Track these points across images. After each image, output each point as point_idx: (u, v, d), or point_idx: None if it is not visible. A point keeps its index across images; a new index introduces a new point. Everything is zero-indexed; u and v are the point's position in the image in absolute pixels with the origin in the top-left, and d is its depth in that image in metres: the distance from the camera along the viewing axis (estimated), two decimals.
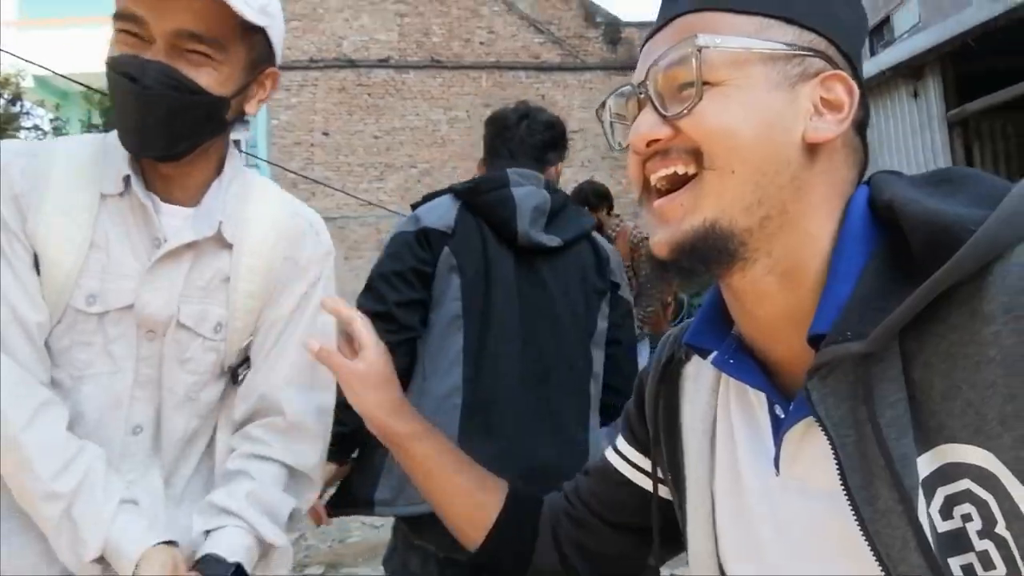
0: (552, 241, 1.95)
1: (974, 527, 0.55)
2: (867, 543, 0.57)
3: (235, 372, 1.21)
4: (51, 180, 1.08)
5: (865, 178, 0.72)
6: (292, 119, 17.23)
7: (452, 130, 17.71)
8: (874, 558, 0.57)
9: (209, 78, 1.05)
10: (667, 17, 0.72)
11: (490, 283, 1.85)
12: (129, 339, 1.10)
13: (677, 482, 0.83)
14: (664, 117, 0.68)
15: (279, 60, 1.20)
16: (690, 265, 0.68)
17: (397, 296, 1.79)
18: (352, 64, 17.54)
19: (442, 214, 1.92)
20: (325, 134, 17.30)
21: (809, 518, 0.67)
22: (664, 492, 0.88)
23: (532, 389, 1.83)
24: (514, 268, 1.91)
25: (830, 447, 0.61)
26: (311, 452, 1.23)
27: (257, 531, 1.11)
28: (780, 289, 0.68)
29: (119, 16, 1.03)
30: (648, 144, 0.69)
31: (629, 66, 18.14)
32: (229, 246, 1.17)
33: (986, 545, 0.54)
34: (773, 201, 0.66)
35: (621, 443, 0.95)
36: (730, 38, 0.66)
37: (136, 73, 1.01)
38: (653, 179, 0.70)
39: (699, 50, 0.66)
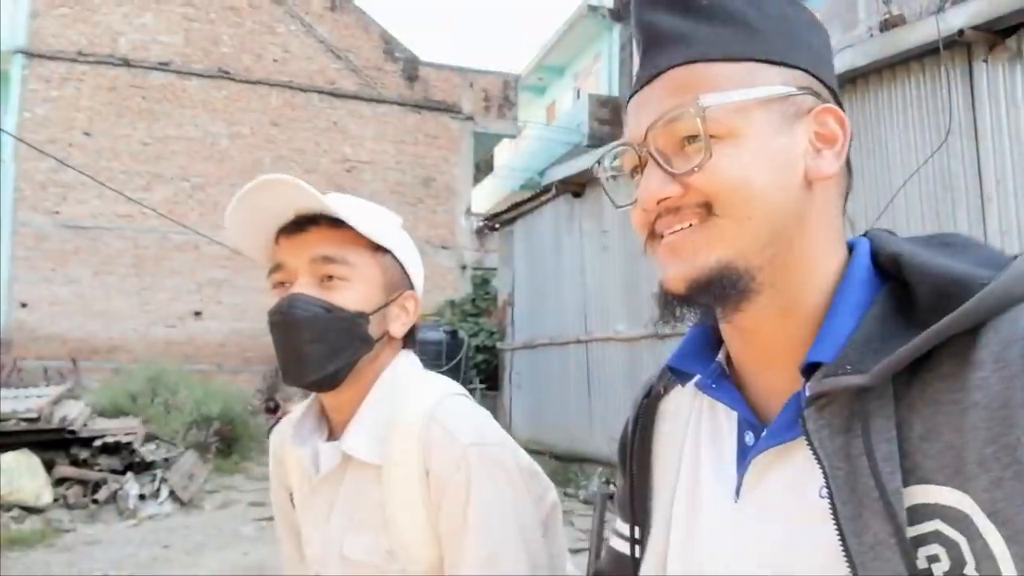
0: None
1: (941, 568, 0.56)
2: (849, 572, 0.58)
3: None
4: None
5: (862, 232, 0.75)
6: (49, 114, 15.43)
7: (233, 145, 16.74)
8: None
9: (344, 297, 1.14)
10: (655, 71, 0.71)
11: None
12: None
13: (645, 520, 0.84)
14: (672, 175, 0.68)
15: (418, 288, 1.27)
16: (704, 302, 0.69)
17: None
18: (127, 63, 16.12)
19: None
20: (87, 134, 15.67)
21: (766, 542, 0.68)
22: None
23: None
24: None
25: (819, 476, 0.62)
26: None
27: None
28: (778, 319, 0.70)
29: (270, 272, 1.18)
30: (658, 202, 0.69)
31: (424, 105, 18.28)
32: (379, 470, 1.14)
33: None
34: (782, 239, 0.68)
35: (616, 522, 0.94)
36: (729, 92, 0.67)
37: (283, 307, 1.12)
38: (664, 231, 0.71)
39: (703, 109, 0.66)
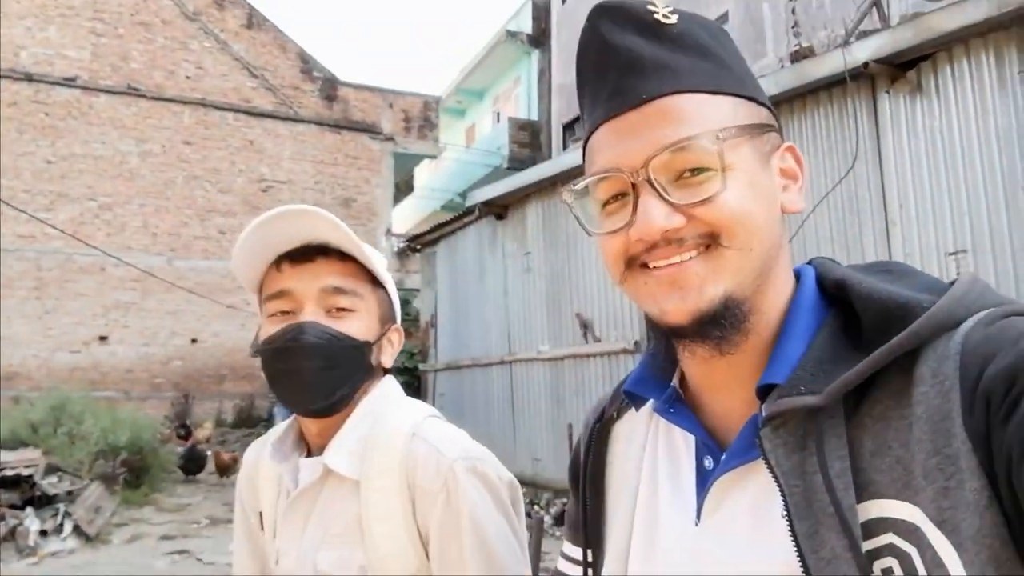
0: None
1: None
2: None
3: None
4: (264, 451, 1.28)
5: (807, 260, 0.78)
6: None
7: (144, 164, 16.18)
8: None
9: (352, 327, 1.17)
10: (640, 97, 0.70)
11: None
12: None
13: (597, 545, 0.84)
14: (673, 205, 0.68)
15: (398, 320, 1.31)
16: (707, 333, 0.69)
17: None
18: (29, 78, 15.42)
19: None
20: None
21: (728, 564, 0.68)
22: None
23: None
24: None
25: (778, 495, 0.63)
26: None
27: None
28: (741, 348, 0.70)
29: (270, 298, 1.18)
30: (665, 232, 0.68)
31: (344, 125, 18.05)
32: (358, 485, 1.16)
33: None
34: (767, 268, 0.70)
35: (564, 545, 0.93)
36: (732, 126, 0.68)
37: (294, 334, 1.14)
38: (657, 262, 0.70)
39: (723, 140, 0.67)
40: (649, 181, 0.68)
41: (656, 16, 0.71)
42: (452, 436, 1.19)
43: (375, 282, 1.23)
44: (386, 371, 1.29)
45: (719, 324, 0.68)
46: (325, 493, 1.19)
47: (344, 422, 1.20)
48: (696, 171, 0.68)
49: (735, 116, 0.70)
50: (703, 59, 0.71)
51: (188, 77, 16.83)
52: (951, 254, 5.23)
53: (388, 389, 1.27)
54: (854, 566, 0.58)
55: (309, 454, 1.25)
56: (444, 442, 1.16)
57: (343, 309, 1.17)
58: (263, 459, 1.28)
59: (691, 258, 0.68)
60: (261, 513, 1.30)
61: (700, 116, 0.68)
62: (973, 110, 5.12)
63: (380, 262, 1.25)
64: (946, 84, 5.29)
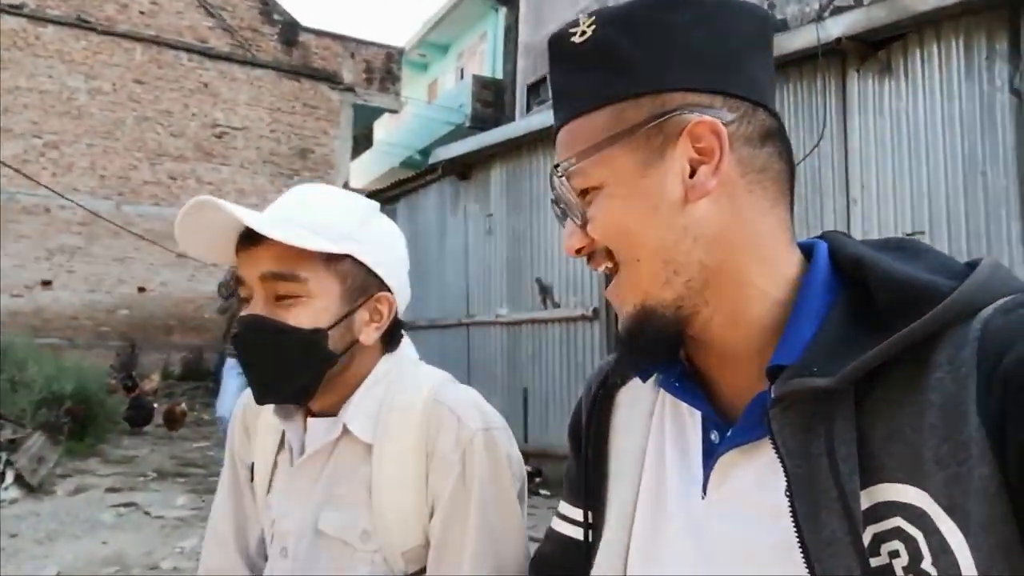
0: None
1: (900, 563, 0.58)
2: (806, 568, 0.60)
3: None
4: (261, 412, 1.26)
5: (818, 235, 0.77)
6: None
7: (92, 102, 15.57)
8: None
9: (298, 316, 1.08)
10: (556, 128, 0.76)
11: None
12: (273, 556, 1.20)
13: (597, 508, 0.85)
14: (579, 225, 0.73)
15: (394, 285, 1.19)
16: (644, 343, 0.72)
17: None
18: None
19: None
20: None
21: (733, 539, 0.69)
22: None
23: None
24: None
25: (783, 474, 0.63)
26: None
27: None
28: (729, 329, 0.71)
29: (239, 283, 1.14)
30: (577, 251, 0.74)
31: (303, 72, 17.59)
32: (370, 449, 1.14)
33: None
34: (688, 266, 0.69)
35: (561, 505, 0.95)
36: (582, 151, 0.70)
37: (240, 328, 1.08)
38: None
39: (566, 176, 0.72)
40: (556, 206, 0.76)
41: (572, 38, 0.72)
42: (475, 404, 1.16)
43: (333, 256, 1.10)
44: (394, 338, 1.23)
45: (642, 335, 0.72)
46: (336, 454, 1.16)
47: (352, 387, 1.16)
48: (583, 192, 0.72)
49: (613, 125, 0.70)
50: (596, 70, 0.71)
51: (142, 12, 16.15)
52: (908, 234, 5.31)
53: (404, 352, 1.24)
54: (852, 549, 0.58)
55: (311, 414, 1.20)
56: (466, 410, 1.13)
57: (287, 296, 1.08)
58: (264, 408, 1.22)
59: (607, 269, 0.73)
60: (253, 464, 1.26)
61: (579, 140, 0.72)
62: (939, 93, 5.17)
63: (341, 227, 1.12)
64: (915, 66, 5.32)
